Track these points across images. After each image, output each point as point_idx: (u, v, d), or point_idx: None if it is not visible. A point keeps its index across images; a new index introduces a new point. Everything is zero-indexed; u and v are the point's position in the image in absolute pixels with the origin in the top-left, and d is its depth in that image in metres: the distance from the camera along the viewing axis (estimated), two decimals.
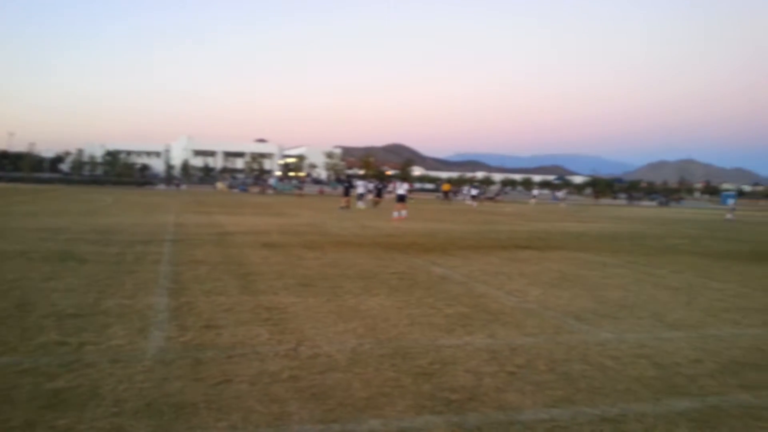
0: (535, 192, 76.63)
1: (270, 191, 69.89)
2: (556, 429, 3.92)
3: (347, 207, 32.27)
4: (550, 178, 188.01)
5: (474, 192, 56.33)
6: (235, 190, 73.53)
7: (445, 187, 60.64)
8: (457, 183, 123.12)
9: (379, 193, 39.54)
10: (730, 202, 43.51)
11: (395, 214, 25.23)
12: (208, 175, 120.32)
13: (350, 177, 59.21)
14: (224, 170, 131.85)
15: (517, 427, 3.94)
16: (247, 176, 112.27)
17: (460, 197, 64.66)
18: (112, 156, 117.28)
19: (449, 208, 40.24)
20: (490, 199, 52.65)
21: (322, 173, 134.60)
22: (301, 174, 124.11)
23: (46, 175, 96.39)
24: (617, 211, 50.22)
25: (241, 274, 9.44)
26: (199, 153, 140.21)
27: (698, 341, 6.34)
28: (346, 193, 34.06)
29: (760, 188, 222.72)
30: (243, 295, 7.79)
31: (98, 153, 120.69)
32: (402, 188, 27.66)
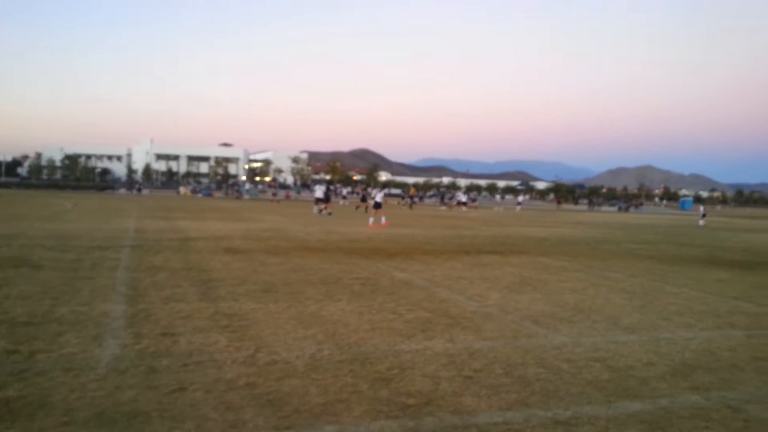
0: (520, 198, 76.51)
1: (245, 196, 69.34)
2: None
3: (329, 211, 32.77)
4: (514, 183, 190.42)
5: (463, 198, 56.81)
6: (199, 195, 72.64)
7: (411, 191, 61.93)
8: (423, 188, 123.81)
9: (363, 198, 41.45)
10: (701, 208, 45.12)
11: (371, 220, 25.15)
12: (171, 179, 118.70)
13: (329, 183, 60.71)
14: (188, 174, 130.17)
15: (472, 430, 3.98)
16: (212, 181, 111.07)
17: (452, 202, 66.25)
18: (72, 160, 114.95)
19: (414, 213, 40.40)
20: (462, 204, 53.34)
21: (289, 178, 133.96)
22: (268, 178, 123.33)
23: (3, 179, 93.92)
24: (578, 216, 51.04)
25: (201, 280, 9.34)
26: (161, 157, 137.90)
27: (651, 344, 6.49)
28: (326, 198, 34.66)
29: (716, 194, 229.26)
30: (202, 301, 7.71)
31: (57, 156, 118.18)
32: (379, 196, 28.35)
